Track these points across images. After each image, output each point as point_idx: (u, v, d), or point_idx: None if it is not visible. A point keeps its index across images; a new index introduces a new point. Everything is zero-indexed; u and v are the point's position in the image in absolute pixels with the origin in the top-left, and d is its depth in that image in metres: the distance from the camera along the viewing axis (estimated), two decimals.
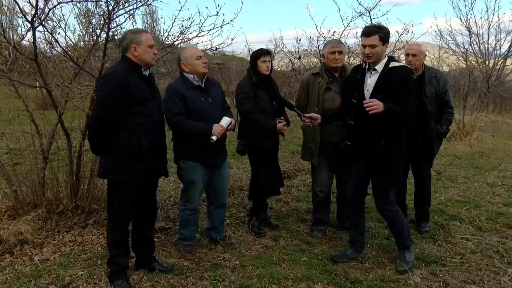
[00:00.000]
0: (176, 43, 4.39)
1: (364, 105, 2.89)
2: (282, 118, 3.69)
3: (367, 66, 3.11)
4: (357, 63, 8.83)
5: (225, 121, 3.22)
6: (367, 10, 6.92)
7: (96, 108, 2.72)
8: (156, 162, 2.87)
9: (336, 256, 3.37)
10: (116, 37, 3.96)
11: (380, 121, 2.96)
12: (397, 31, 7.95)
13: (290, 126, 3.94)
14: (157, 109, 2.84)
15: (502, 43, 10.64)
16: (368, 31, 2.98)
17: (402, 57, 4.39)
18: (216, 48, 4.57)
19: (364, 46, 3.00)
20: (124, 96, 2.62)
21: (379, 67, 3.03)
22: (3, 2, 3.57)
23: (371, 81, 3.06)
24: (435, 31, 12.17)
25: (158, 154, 2.88)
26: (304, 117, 3.40)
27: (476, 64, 10.62)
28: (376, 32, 2.95)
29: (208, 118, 3.19)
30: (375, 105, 2.86)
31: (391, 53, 7.50)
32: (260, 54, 3.66)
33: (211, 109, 3.27)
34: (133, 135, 2.69)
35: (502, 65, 11.05)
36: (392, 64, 3.00)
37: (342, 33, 7.63)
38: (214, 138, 3.13)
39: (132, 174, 2.73)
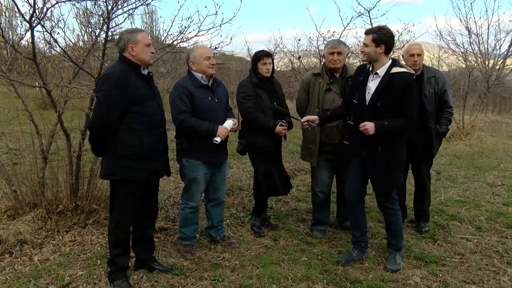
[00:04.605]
0: (175, 42, 4.39)
1: (360, 128, 2.97)
2: (284, 121, 3.69)
3: (370, 68, 3.10)
4: (357, 63, 8.88)
5: (229, 123, 3.26)
6: (367, 10, 6.93)
7: (97, 108, 2.73)
8: (157, 161, 2.86)
9: (343, 261, 3.28)
10: (115, 37, 3.96)
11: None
12: (397, 31, 7.95)
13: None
14: (157, 108, 2.84)
15: (501, 43, 10.65)
16: (366, 30, 3.11)
17: (401, 57, 4.37)
18: (216, 48, 4.58)
19: None
20: (124, 95, 2.63)
21: (381, 71, 3.01)
22: (2, 2, 3.56)
23: (372, 84, 3.05)
24: (435, 31, 12.18)
25: (159, 153, 2.88)
26: (301, 121, 3.41)
27: (475, 64, 10.61)
28: (371, 33, 3.01)
29: (214, 118, 3.22)
30: (367, 129, 2.94)
31: (392, 53, 7.48)
32: (260, 56, 3.68)
33: (217, 109, 3.30)
34: (133, 135, 2.70)
35: (501, 65, 11.04)
36: (394, 69, 2.97)
37: (342, 33, 7.64)
38: (218, 139, 3.16)
39: (133, 174, 2.73)
